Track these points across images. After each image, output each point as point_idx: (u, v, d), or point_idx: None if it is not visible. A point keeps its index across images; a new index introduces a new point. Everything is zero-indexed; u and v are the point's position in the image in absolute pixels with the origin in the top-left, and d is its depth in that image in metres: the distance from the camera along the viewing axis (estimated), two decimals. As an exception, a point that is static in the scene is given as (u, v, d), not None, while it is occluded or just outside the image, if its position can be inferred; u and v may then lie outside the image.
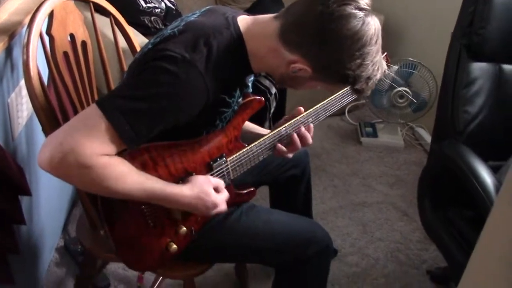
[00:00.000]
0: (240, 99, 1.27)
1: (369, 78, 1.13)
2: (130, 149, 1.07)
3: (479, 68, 1.46)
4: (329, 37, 1.07)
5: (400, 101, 2.70)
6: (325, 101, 1.45)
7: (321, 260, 1.36)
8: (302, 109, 1.39)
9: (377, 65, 1.14)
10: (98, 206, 1.18)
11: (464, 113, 1.45)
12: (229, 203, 1.35)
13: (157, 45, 1.11)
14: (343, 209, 2.39)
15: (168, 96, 1.04)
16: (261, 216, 1.38)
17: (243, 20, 1.18)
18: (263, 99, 1.32)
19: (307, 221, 1.45)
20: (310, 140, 1.39)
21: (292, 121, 1.38)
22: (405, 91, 2.66)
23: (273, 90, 2.22)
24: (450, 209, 1.53)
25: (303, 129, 1.38)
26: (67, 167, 0.99)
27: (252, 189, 1.40)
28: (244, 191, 1.39)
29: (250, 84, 1.33)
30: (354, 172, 2.67)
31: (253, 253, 1.36)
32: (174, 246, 1.27)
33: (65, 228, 2.07)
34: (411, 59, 2.62)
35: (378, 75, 1.16)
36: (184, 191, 1.14)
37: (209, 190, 1.18)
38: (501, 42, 1.45)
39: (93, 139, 0.99)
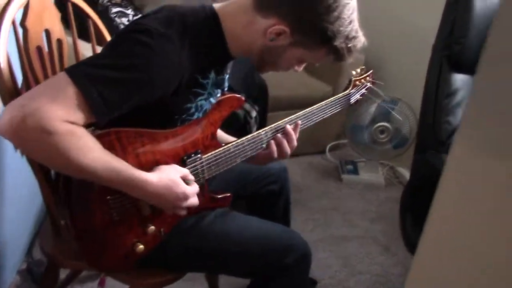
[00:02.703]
0: (217, 91, 1.23)
1: (347, 37, 1.12)
2: (99, 122, 1.00)
3: (460, 79, 1.46)
4: None
5: (381, 136, 2.69)
6: (307, 109, 1.42)
7: (300, 268, 1.28)
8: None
9: (355, 25, 1.13)
10: (59, 186, 1.10)
11: (446, 123, 1.43)
12: (202, 206, 1.28)
13: (133, 22, 1.08)
14: (323, 242, 2.31)
15: (140, 67, 1.00)
16: (236, 221, 1.30)
17: (218, 4, 1.17)
18: (243, 97, 1.28)
19: (285, 228, 1.38)
20: (286, 148, 1.33)
21: (273, 125, 1.34)
22: (386, 126, 2.65)
23: (254, 114, 2.19)
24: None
25: (279, 135, 1.33)
26: (27, 131, 0.91)
27: (228, 194, 1.33)
28: (219, 196, 1.32)
29: (227, 78, 1.29)
30: (335, 207, 2.61)
31: (226, 260, 1.27)
32: (141, 246, 1.18)
33: (29, 251, 1.95)
34: (391, 95, 2.64)
35: (357, 42, 1.14)
36: (151, 177, 1.07)
37: (177, 179, 1.11)
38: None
39: (58, 103, 0.93)
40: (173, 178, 1.10)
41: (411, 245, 1.47)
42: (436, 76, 1.45)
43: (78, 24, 1.43)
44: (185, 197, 1.12)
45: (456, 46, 1.41)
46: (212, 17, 1.14)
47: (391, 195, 2.77)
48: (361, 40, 1.16)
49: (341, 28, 1.10)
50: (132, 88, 1.00)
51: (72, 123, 0.95)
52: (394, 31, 2.93)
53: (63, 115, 0.93)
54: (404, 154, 2.77)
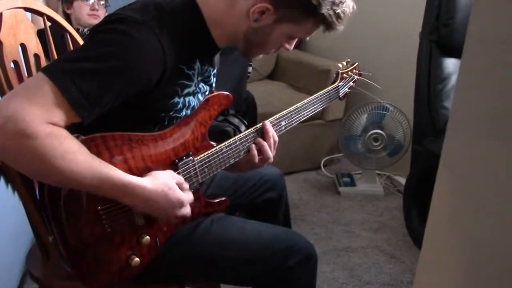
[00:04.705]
0: (206, 88, 1.19)
1: (334, 3, 1.06)
2: (82, 121, 0.93)
3: (452, 63, 1.42)
4: None
5: (375, 144, 2.65)
6: (298, 104, 1.39)
7: (305, 270, 1.20)
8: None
9: None
10: (44, 201, 1.02)
11: (443, 109, 1.38)
12: (197, 212, 1.21)
13: (106, 16, 1.04)
14: (327, 255, 2.22)
15: (117, 55, 0.94)
16: (235, 224, 1.23)
17: None
18: (231, 95, 1.23)
19: (287, 230, 1.31)
20: (268, 152, 1.26)
21: (263, 123, 1.30)
22: (379, 133, 2.61)
23: (243, 128, 2.14)
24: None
25: (259, 138, 1.27)
26: (4, 137, 0.84)
27: (224, 198, 1.27)
28: (216, 200, 1.25)
29: (214, 74, 1.24)
30: (335, 220, 2.54)
31: (227, 267, 1.19)
32: (136, 259, 1.10)
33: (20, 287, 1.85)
34: (382, 101, 2.61)
35: (345, 7, 1.09)
36: (144, 182, 1.00)
37: (173, 184, 1.04)
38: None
39: (36, 103, 0.86)
40: (168, 184, 1.03)
41: (419, 241, 1.40)
42: (426, 62, 1.41)
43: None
44: (180, 204, 1.05)
45: (444, 28, 1.37)
46: (190, 3, 1.09)
47: (391, 204, 2.71)
48: (349, 4, 1.10)
49: None
50: (111, 78, 0.94)
51: (53, 124, 0.88)
52: (379, 37, 2.93)
53: (42, 115, 0.86)
54: (400, 162, 2.72)
